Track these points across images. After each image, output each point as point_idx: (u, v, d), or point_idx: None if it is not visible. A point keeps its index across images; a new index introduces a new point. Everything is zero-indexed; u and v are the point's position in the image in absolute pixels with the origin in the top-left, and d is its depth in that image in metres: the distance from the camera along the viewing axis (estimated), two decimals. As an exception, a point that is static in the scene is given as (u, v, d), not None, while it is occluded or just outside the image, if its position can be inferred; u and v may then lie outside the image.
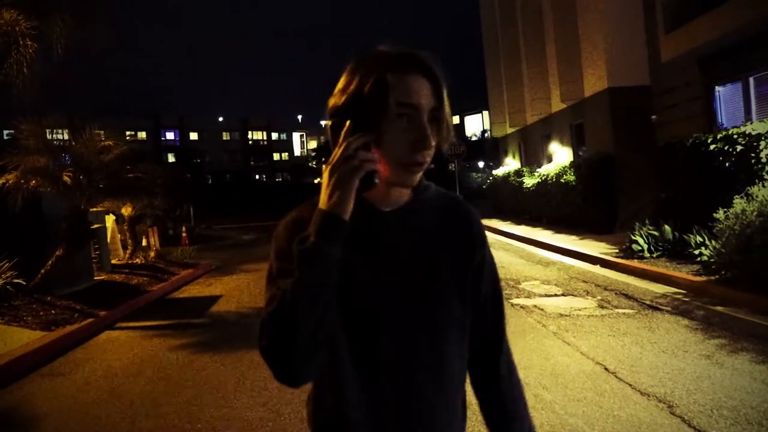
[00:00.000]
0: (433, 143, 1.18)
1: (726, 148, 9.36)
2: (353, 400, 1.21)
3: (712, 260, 8.30)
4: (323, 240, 1.10)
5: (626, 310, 7.29)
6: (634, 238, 10.71)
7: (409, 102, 1.16)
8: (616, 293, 8.34)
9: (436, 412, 1.25)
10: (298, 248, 1.11)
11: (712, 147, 9.67)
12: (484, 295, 1.36)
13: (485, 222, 21.09)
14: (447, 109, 1.21)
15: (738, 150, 9.11)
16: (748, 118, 10.81)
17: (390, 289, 1.23)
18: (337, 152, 1.12)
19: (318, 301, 1.10)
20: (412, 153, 1.17)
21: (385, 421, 1.22)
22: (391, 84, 1.15)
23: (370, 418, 1.22)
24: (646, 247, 10.42)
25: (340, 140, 1.14)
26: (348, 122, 1.15)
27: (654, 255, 10.31)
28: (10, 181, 9.11)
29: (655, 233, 10.56)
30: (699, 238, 9.32)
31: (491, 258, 1.38)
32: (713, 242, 8.40)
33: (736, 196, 8.15)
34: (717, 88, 12.19)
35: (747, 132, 9.05)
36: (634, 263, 9.97)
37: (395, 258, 1.24)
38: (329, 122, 1.20)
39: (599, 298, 8.12)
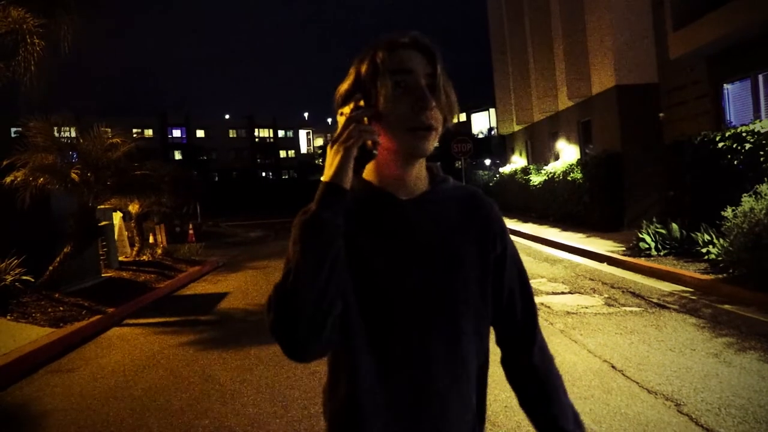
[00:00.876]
0: (434, 104, 1.20)
1: (734, 146, 9.33)
2: (367, 388, 1.22)
3: (719, 258, 8.28)
4: (323, 208, 1.12)
5: (633, 308, 7.28)
6: (641, 236, 10.69)
7: (403, 68, 1.20)
8: (623, 291, 8.33)
9: (449, 403, 1.25)
10: (300, 218, 1.14)
11: (720, 145, 9.63)
12: (509, 288, 1.35)
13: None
14: (444, 78, 1.24)
15: (747, 148, 9.07)
16: (757, 115, 10.78)
17: (406, 277, 1.24)
18: (338, 130, 1.17)
19: (321, 269, 1.11)
20: (414, 115, 1.20)
21: (398, 410, 1.23)
22: (383, 59, 1.21)
23: (383, 407, 1.22)
24: (653, 245, 10.40)
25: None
26: (352, 104, 1.21)
27: (661, 253, 10.29)
28: (18, 179, 9.16)
29: (663, 231, 10.53)
30: (707, 237, 9.30)
31: (514, 250, 1.38)
32: (721, 240, 8.38)
33: (745, 194, 8.13)
34: (725, 85, 12.16)
35: (756, 130, 9.02)
36: (642, 261, 9.95)
37: (412, 246, 1.25)
38: (340, 110, 1.24)
39: (606, 296, 8.11)
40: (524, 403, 1.40)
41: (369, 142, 1.18)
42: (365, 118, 1.18)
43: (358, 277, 1.18)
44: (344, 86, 1.25)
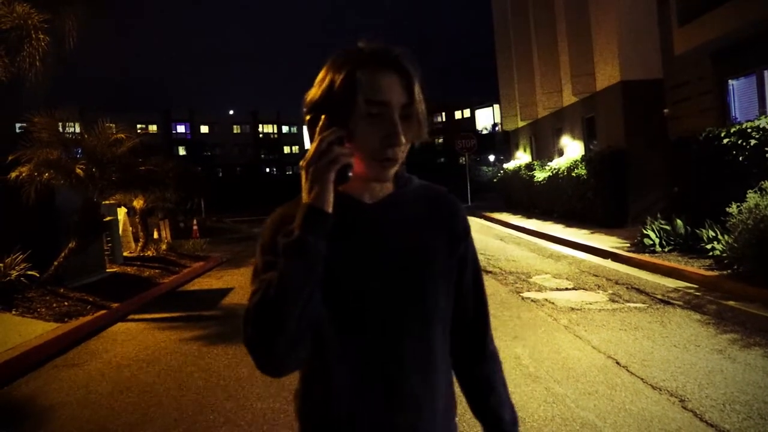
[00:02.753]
0: (404, 140, 1.20)
1: (739, 142, 9.30)
2: (340, 392, 1.23)
3: (724, 255, 8.26)
4: (307, 232, 1.13)
5: (638, 305, 7.27)
6: (645, 232, 10.66)
7: (379, 100, 1.18)
8: (627, 287, 8.32)
9: (422, 403, 1.26)
10: (283, 241, 1.14)
11: (725, 141, 9.60)
12: (466, 284, 1.37)
13: (496, 215, 21.03)
14: (419, 105, 1.22)
15: (752, 144, 9.04)
16: (762, 111, 10.73)
17: (375, 281, 1.24)
18: (312, 148, 1.16)
19: (302, 292, 1.12)
20: (382, 148, 1.19)
21: (372, 412, 1.23)
22: (361, 81, 1.17)
23: (357, 409, 1.23)
24: (657, 241, 10.38)
25: (315, 135, 1.17)
26: (323, 117, 1.18)
27: (666, 249, 10.27)
28: (23, 174, 9.17)
29: (667, 227, 10.51)
30: (711, 233, 9.28)
31: (473, 247, 1.40)
32: (726, 237, 8.35)
33: (750, 191, 8.10)
34: (730, 81, 12.11)
35: (761, 126, 8.98)
36: (646, 257, 9.93)
37: (380, 250, 1.25)
38: (307, 117, 1.23)
39: (610, 292, 8.10)
40: (473, 396, 1.43)
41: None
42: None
43: (327, 283, 1.18)
44: (317, 93, 1.22)
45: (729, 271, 8.05)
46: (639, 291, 8.05)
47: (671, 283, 8.46)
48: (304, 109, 1.24)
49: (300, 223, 1.14)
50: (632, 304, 7.30)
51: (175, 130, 72.50)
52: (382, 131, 1.18)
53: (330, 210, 1.14)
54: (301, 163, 1.17)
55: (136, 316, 8.60)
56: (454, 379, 1.40)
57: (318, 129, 1.17)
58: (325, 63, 1.24)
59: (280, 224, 1.22)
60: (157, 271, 12.16)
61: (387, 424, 1.24)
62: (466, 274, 1.37)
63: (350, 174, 1.17)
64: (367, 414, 1.23)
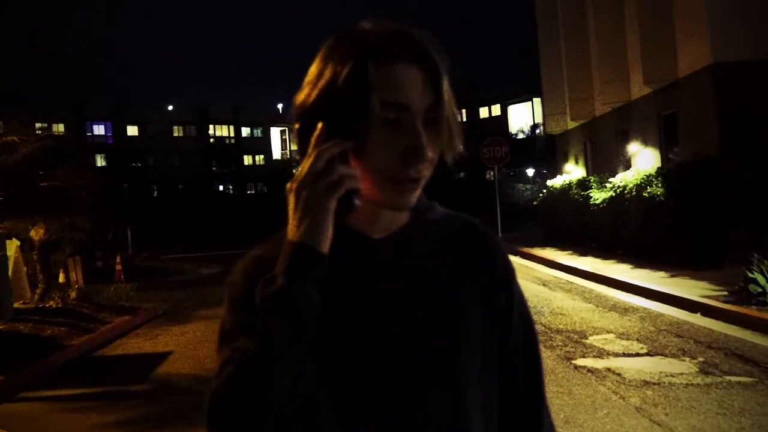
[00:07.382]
0: (430, 154, 1.20)
1: None
2: None
3: None
4: (295, 280, 1.11)
5: (742, 378, 7.22)
6: (751, 275, 10.64)
7: (398, 101, 1.18)
8: (726, 353, 8.27)
9: None
10: (263, 293, 1.13)
11: None
12: (513, 346, 1.37)
13: (537, 252, 21.07)
14: (449, 107, 1.23)
15: None
16: None
17: (390, 346, 1.23)
18: (306, 165, 1.15)
19: (290, 362, 1.11)
20: (402, 166, 1.19)
21: None
22: (374, 76, 1.16)
23: None
24: (768, 288, 10.35)
25: (310, 149, 1.17)
26: (319, 125, 1.17)
27: (780, 299, 10.23)
28: None
29: (782, 268, 10.48)
30: None
31: (521, 296, 1.41)
32: None
33: None
34: None
35: None
36: (752, 311, 9.90)
37: (394, 303, 1.25)
38: (296, 125, 1.24)
39: (701, 359, 8.06)
40: None
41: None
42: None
43: (323, 349, 1.17)
44: (312, 93, 1.21)
45: None
46: (743, 359, 8.00)
47: (789, 347, 8.41)
48: (293, 116, 1.24)
49: (285, 268, 1.12)
50: (734, 378, 7.25)
51: (91, 131, 72.87)
52: (402, 144, 1.18)
53: (326, 251, 1.13)
54: (288, 185, 1.16)
55: (31, 394, 8.54)
56: None
57: (313, 140, 1.16)
58: (318, 51, 1.24)
59: (258, 271, 1.21)
60: (63, 328, 12.08)
61: None
62: (512, 333, 1.37)
63: (357, 202, 1.16)
64: None
